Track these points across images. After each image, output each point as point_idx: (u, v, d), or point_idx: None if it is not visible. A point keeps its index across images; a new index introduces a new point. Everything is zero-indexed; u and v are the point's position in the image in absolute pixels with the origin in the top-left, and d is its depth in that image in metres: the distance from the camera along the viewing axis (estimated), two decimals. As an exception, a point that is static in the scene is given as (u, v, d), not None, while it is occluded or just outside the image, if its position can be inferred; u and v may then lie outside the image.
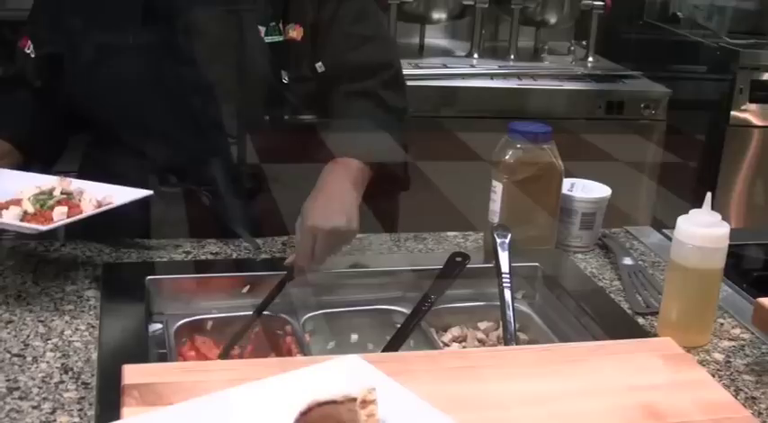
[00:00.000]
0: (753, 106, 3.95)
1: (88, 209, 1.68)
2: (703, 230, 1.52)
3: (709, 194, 1.51)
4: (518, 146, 1.82)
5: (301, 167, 1.95)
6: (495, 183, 1.84)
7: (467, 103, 3.63)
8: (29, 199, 1.67)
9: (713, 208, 1.52)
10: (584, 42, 4.13)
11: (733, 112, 3.95)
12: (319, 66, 1.96)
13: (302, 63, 1.96)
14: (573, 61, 4.08)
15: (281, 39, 1.92)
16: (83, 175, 1.86)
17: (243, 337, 1.69)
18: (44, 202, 1.66)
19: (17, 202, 1.67)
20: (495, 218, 1.84)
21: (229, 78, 1.92)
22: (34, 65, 1.96)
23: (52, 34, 1.94)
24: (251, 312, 1.71)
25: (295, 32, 1.94)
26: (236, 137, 1.93)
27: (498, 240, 1.71)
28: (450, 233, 2.00)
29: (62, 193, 1.71)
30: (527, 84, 3.73)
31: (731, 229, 1.54)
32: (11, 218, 1.62)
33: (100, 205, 1.69)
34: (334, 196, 1.76)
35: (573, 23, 4.23)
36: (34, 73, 1.96)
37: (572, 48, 4.19)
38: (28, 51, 1.95)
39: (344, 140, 1.90)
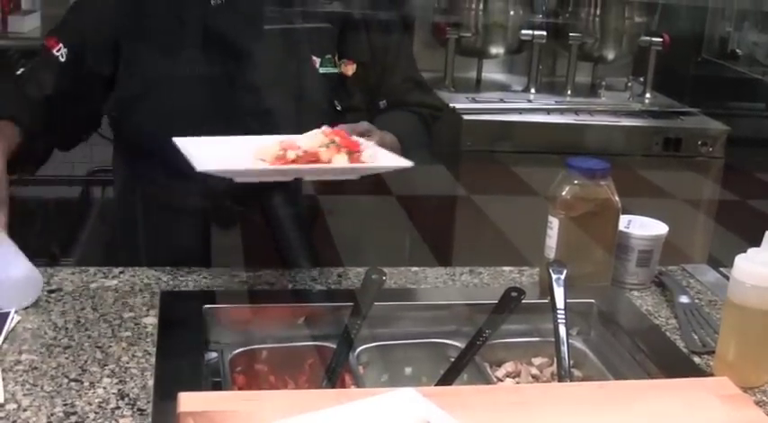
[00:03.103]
0: (813, 145, 3.92)
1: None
2: (762, 269, 1.51)
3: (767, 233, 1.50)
4: (575, 182, 1.82)
5: (356, 199, 1.96)
6: (551, 218, 1.84)
7: (523, 137, 3.63)
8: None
9: (772, 247, 1.51)
10: (641, 78, 4.12)
11: (792, 152, 3.91)
12: (383, 103, 2.02)
13: (354, 95, 1.98)
14: (630, 97, 4.07)
15: (335, 71, 1.95)
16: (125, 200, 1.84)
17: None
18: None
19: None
20: (551, 253, 1.84)
21: (287, 105, 1.93)
22: (61, 69, 1.91)
23: (103, 55, 1.92)
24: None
25: (347, 68, 1.97)
26: None
27: (554, 276, 1.71)
28: (505, 268, 2.00)
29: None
30: (584, 119, 3.73)
31: (790, 270, 1.52)
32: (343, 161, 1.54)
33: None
34: None
35: (631, 59, 4.22)
36: (58, 76, 1.91)
37: (629, 84, 4.18)
38: (57, 54, 1.91)
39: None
